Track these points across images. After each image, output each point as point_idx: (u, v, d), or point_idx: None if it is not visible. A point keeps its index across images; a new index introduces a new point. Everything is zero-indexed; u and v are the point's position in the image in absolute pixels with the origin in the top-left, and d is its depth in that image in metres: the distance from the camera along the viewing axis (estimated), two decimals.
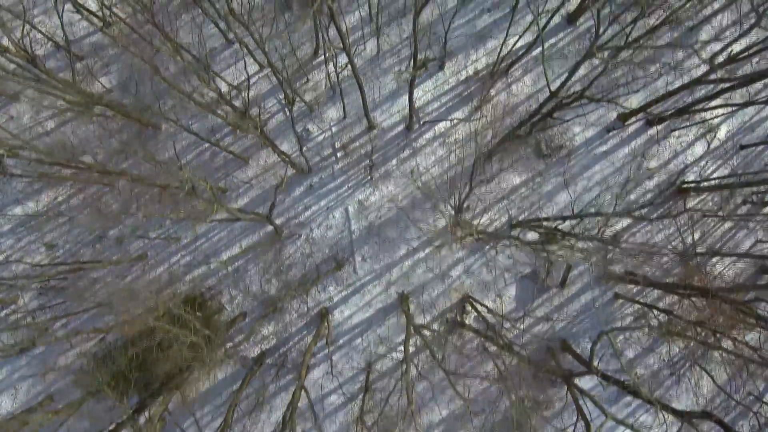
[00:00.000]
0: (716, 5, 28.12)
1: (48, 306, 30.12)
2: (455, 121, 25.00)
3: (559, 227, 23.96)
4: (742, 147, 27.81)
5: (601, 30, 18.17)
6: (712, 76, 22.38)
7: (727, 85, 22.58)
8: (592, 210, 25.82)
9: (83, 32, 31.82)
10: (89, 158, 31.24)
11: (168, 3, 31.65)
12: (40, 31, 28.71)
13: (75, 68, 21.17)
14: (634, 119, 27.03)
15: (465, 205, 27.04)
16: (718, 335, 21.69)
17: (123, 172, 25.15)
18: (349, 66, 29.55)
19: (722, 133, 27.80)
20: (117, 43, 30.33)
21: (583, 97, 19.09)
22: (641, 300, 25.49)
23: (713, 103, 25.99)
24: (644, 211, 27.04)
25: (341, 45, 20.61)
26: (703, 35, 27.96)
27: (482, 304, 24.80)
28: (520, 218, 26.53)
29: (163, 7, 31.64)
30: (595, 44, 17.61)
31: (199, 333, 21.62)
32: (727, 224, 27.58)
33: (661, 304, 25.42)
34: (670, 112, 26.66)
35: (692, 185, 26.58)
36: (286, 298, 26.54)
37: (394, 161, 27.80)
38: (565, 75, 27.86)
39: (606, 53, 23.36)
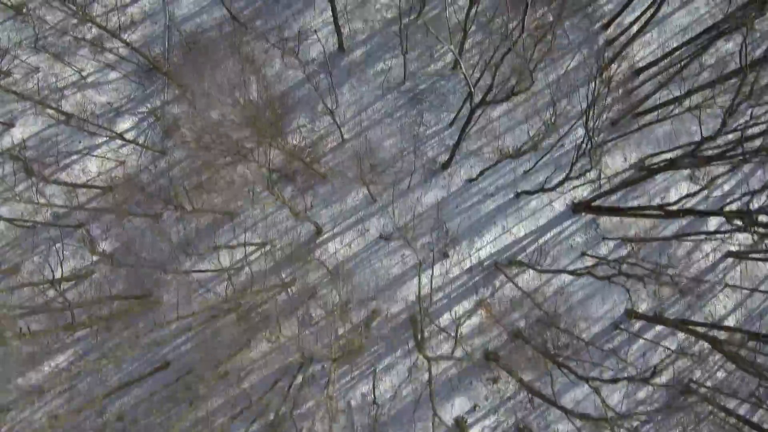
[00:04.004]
0: None
1: None
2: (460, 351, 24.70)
3: None
4: (750, 338, 27.43)
5: None
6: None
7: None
8: None
9: (82, 198, 31.56)
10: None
11: (169, 169, 31.41)
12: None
13: (74, 315, 20.89)
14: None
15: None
16: None
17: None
18: (350, 246, 29.62)
19: (729, 323, 27.46)
20: (117, 209, 30.60)
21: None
22: None
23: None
24: (650, 409, 26.75)
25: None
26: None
27: None
28: (528, 420, 26.23)
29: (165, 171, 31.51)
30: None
31: None
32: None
33: None
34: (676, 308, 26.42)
35: (698, 386, 26.23)
36: None
37: (398, 352, 27.50)
38: (572, 267, 27.74)
39: None
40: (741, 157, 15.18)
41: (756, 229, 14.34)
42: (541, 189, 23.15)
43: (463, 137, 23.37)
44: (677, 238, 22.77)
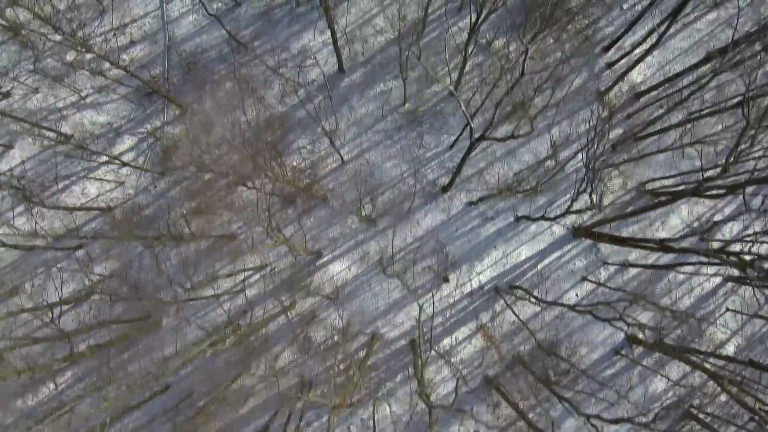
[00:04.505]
0: None
1: None
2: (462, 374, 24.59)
3: None
4: (752, 363, 27.33)
5: None
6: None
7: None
8: None
9: (81, 220, 31.38)
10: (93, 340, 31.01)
11: (168, 190, 31.29)
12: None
13: (74, 351, 20.78)
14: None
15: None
16: None
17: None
18: (350, 269, 29.51)
19: (731, 350, 27.38)
20: (116, 229, 30.49)
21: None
22: None
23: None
24: None
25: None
26: None
27: None
28: None
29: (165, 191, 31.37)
30: None
31: None
32: None
33: None
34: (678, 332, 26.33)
35: (698, 411, 26.13)
36: None
37: (398, 378, 27.40)
38: (573, 291, 27.68)
39: None
40: (742, 197, 15.12)
41: (756, 280, 14.26)
42: (541, 217, 23.07)
43: (464, 165, 23.26)
44: (675, 267, 22.70)
